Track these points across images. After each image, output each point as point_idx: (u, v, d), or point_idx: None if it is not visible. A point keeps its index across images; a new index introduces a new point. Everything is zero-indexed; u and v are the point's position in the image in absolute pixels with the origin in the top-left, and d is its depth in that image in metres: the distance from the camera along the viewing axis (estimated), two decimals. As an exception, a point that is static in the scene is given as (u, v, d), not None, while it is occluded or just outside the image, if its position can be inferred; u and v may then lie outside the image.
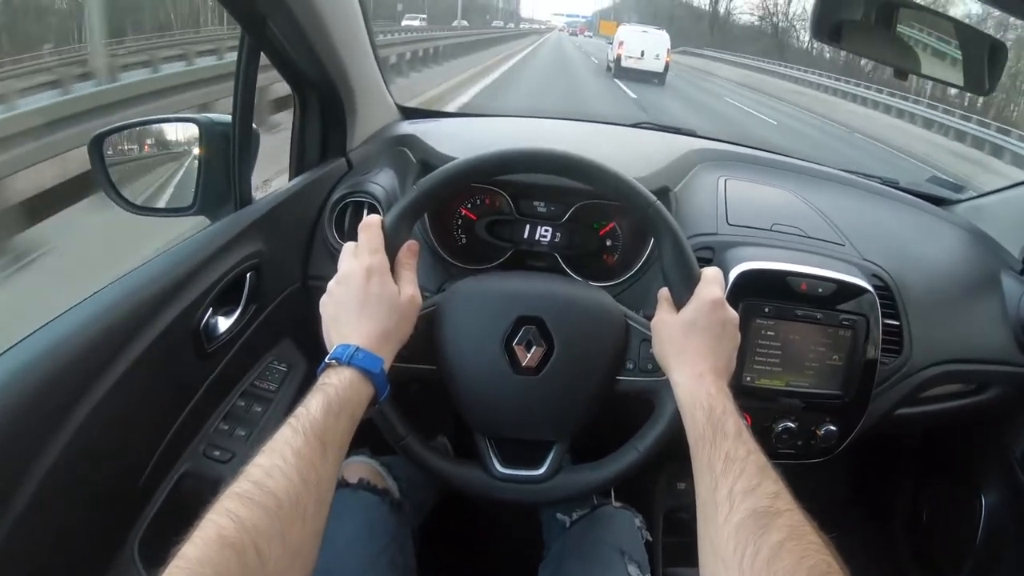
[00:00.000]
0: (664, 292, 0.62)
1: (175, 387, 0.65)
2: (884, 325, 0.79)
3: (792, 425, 0.77)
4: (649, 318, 0.63)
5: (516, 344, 0.61)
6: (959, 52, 0.86)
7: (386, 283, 0.55)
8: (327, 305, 0.56)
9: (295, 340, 0.83)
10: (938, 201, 1.10)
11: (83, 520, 0.54)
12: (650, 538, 0.75)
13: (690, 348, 0.56)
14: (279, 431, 0.45)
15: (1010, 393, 0.91)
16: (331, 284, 0.57)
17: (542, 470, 0.63)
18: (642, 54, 16.01)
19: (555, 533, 0.76)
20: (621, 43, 16.30)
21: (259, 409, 0.74)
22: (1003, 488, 0.98)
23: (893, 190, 1.07)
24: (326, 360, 0.51)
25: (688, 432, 0.52)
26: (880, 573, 1.15)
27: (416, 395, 0.74)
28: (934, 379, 0.86)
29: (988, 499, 0.99)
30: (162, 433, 0.63)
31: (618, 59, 16.19)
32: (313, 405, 0.46)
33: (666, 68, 16.29)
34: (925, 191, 1.14)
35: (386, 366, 0.53)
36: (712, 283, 0.59)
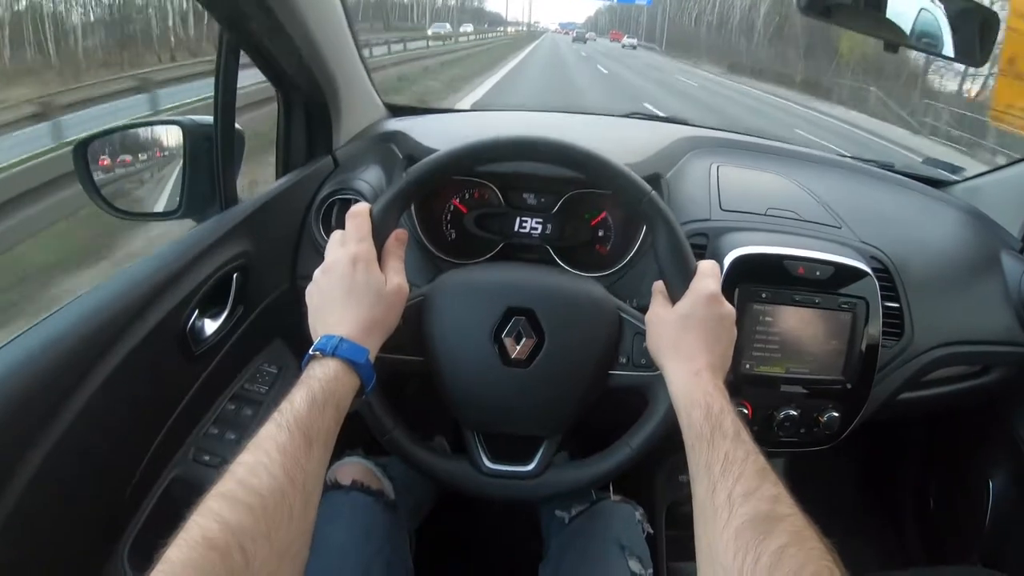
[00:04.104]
0: (659, 285, 0.60)
1: (163, 391, 0.64)
2: (884, 308, 0.77)
3: (794, 412, 0.76)
4: (643, 308, 0.61)
5: (505, 336, 0.60)
6: (949, 25, 0.85)
7: (372, 272, 0.54)
8: (312, 295, 0.55)
9: (285, 341, 0.82)
10: (935, 183, 1.09)
11: (72, 527, 0.53)
12: (651, 531, 0.74)
13: (685, 344, 0.55)
14: (264, 427, 0.43)
15: (1014, 374, 0.90)
16: (317, 273, 0.55)
17: (531, 466, 0.61)
18: None
19: (554, 530, 0.75)
20: None
21: (249, 412, 0.73)
22: (1011, 471, 0.97)
23: (889, 173, 1.06)
24: (310, 351, 0.50)
25: (684, 431, 0.51)
26: (889, 560, 1.14)
27: (414, 394, 0.72)
28: (937, 362, 0.84)
29: (996, 483, 0.98)
30: (151, 438, 0.62)
31: None
32: (297, 399, 0.45)
33: None
34: (922, 173, 1.13)
35: (372, 356, 0.52)
36: (708, 277, 0.57)
